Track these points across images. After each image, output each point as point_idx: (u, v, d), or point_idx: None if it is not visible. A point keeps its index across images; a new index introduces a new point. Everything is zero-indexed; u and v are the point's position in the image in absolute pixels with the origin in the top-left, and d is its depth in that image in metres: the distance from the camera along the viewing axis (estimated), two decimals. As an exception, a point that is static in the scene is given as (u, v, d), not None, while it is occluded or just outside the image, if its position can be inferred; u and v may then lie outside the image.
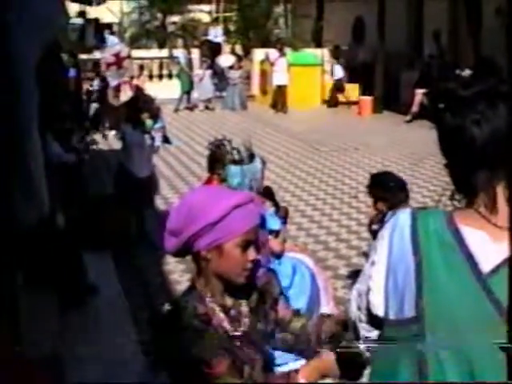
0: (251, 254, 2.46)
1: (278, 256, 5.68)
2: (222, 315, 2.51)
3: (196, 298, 2.51)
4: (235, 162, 5.74)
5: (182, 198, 2.62)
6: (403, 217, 1.86)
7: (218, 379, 2.39)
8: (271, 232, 5.47)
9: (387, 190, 5.96)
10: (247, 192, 2.54)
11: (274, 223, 5.45)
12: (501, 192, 1.73)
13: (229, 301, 2.56)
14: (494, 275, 1.69)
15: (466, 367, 1.68)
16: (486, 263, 1.70)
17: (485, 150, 1.71)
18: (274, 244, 5.37)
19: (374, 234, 6.47)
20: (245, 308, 2.59)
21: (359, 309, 1.99)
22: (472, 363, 1.67)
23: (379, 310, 1.87)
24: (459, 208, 1.85)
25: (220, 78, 24.59)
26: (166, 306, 2.52)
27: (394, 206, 5.56)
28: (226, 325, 2.51)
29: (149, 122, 9.84)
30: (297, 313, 2.92)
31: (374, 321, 1.93)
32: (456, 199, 1.84)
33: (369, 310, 1.92)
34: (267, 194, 6.28)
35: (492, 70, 1.86)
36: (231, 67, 24.00)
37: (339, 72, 23.45)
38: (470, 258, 1.72)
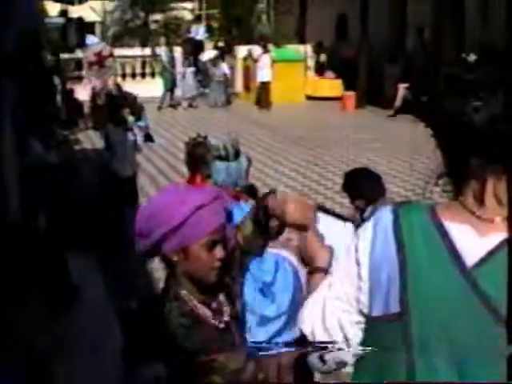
0: (218, 252, 2.45)
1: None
2: (206, 310, 2.52)
3: (175, 297, 2.51)
4: (221, 158, 5.74)
5: (148, 201, 2.66)
6: (385, 213, 1.85)
7: (220, 370, 2.41)
8: None
9: (363, 187, 5.95)
10: (211, 190, 2.52)
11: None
12: (491, 185, 1.72)
13: (205, 296, 2.56)
14: (478, 268, 1.69)
15: (454, 360, 1.68)
16: (471, 257, 1.70)
17: (482, 136, 1.69)
18: None
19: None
20: (222, 297, 2.60)
21: (344, 311, 1.94)
22: (459, 356, 1.67)
23: (365, 308, 1.87)
24: (443, 203, 1.84)
25: (203, 74, 24.55)
26: (134, 304, 2.53)
27: (372, 202, 5.58)
28: (212, 319, 2.52)
29: (130, 118, 9.81)
30: None
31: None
32: (441, 185, 1.83)
33: (360, 311, 1.90)
34: (251, 192, 6.30)
35: (496, 58, 1.86)
36: (213, 60, 23.97)
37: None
38: (454, 252, 1.71)
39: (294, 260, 6.05)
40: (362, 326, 1.93)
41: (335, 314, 1.97)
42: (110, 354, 2.61)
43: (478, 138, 1.70)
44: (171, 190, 2.63)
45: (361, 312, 1.90)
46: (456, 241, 1.72)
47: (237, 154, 5.78)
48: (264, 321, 5.17)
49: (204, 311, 2.52)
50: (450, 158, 1.79)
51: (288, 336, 5.80)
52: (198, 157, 6.47)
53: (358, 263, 1.89)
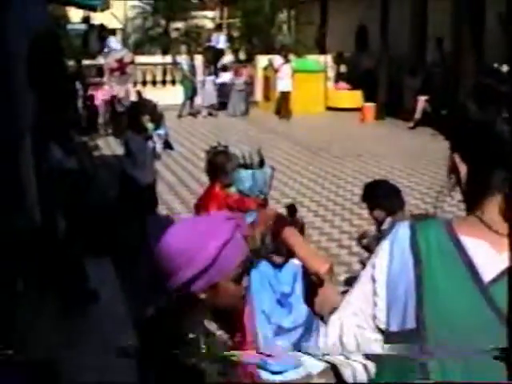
0: (245, 281, 2.47)
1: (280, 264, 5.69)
2: (224, 335, 2.53)
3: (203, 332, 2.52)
4: (246, 167, 5.77)
5: (165, 240, 2.50)
6: (402, 229, 1.84)
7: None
8: None
9: (383, 197, 5.98)
10: (229, 218, 2.47)
11: None
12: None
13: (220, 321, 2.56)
14: (495, 284, 1.67)
15: (469, 377, 1.66)
16: (488, 272, 1.68)
17: (508, 148, 1.67)
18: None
19: (365, 249, 6.49)
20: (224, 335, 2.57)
21: (359, 327, 1.94)
22: (475, 373, 1.66)
23: (382, 324, 1.86)
24: (459, 217, 1.83)
25: (223, 84, 24.59)
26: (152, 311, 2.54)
27: (391, 213, 5.58)
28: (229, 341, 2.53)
29: (150, 125, 9.84)
30: None
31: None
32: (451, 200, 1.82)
33: (377, 327, 1.90)
34: (291, 210, 6.34)
35: None
36: (225, 68, 24.08)
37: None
38: (471, 267, 1.70)
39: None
40: (380, 343, 1.91)
41: (351, 330, 1.97)
42: (123, 357, 2.63)
43: (505, 150, 1.67)
44: (186, 227, 2.52)
45: (378, 328, 1.89)
46: (473, 256, 1.71)
47: (261, 163, 5.81)
48: (281, 332, 5.17)
49: (223, 337, 2.53)
50: (472, 169, 1.77)
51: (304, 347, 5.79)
52: (218, 165, 6.50)
53: (373, 279, 1.89)
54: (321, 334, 2.11)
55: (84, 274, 7.02)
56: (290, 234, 2.95)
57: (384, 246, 1.88)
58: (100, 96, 19.35)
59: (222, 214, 2.54)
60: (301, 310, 5.70)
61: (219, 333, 2.52)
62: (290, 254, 2.85)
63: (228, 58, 25.82)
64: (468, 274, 1.69)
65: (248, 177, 5.60)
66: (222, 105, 23.40)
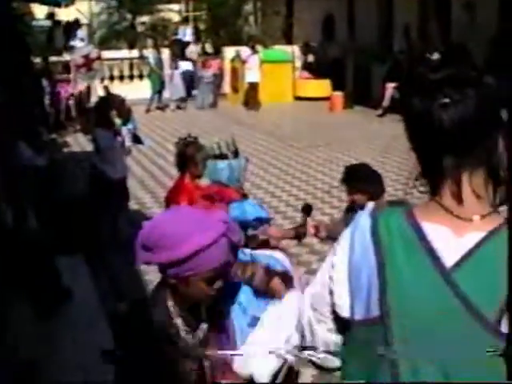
0: (217, 284, 2.48)
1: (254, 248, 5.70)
2: (182, 324, 2.53)
3: (160, 303, 2.52)
4: (222, 157, 5.76)
5: (156, 219, 2.58)
6: (363, 217, 1.85)
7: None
8: (261, 221, 5.46)
9: (365, 181, 5.89)
10: (225, 221, 2.47)
11: (259, 212, 5.44)
12: (467, 181, 1.72)
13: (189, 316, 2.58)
14: (457, 269, 1.68)
15: (437, 361, 1.67)
16: (449, 257, 1.69)
17: (452, 134, 1.68)
18: (273, 232, 5.42)
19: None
20: (204, 325, 2.61)
21: (314, 310, 1.98)
22: (442, 357, 1.66)
23: (345, 312, 1.86)
24: (420, 204, 1.84)
25: (191, 76, 24.51)
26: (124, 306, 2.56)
27: (372, 198, 5.54)
28: (185, 333, 2.53)
29: (118, 121, 9.77)
30: None
31: (339, 323, 1.92)
32: (420, 186, 1.82)
33: (334, 312, 1.92)
34: (307, 210, 6.33)
35: (461, 55, 1.85)
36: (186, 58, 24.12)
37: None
38: (432, 253, 1.70)
39: (287, 262, 6.06)
40: (336, 334, 1.95)
41: (307, 314, 2.01)
42: (96, 353, 2.63)
43: (448, 136, 1.69)
44: (186, 215, 2.54)
45: (336, 316, 1.91)
46: (434, 242, 1.72)
47: (236, 153, 5.82)
48: (256, 323, 5.19)
49: (180, 325, 2.53)
50: (422, 158, 1.79)
51: None
52: (188, 156, 6.49)
53: (332, 266, 1.90)
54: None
55: (56, 272, 6.97)
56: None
57: (345, 235, 1.89)
58: (67, 92, 19.21)
59: (221, 214, 2.54)
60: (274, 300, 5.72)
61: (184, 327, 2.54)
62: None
63: (191, 49, 25.77)
64: (429, 260, 1.70)
65: (225, 168, 5.59)
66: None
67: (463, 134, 1.69)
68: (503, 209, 1.71)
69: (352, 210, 6.23)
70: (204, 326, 2.59)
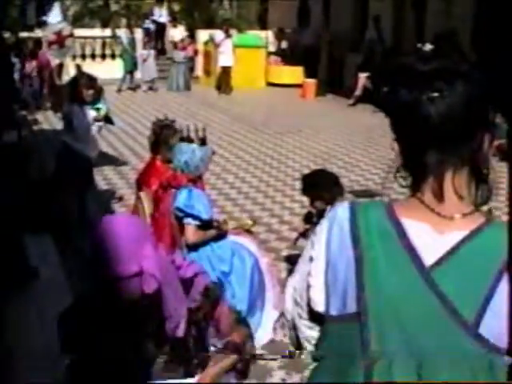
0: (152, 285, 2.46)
1: (217, 239, 5.71)
2: None
3: None
4: (188, 140, 5.73)
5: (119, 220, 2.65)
6: (341, 210, 1.81)
7: None
8: (199, 219, 5.47)
9: (324, 189, 6.00)
10: (139, 262, 2.44)
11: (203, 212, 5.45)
12: (449, 180, 1.68)
13: None
14: (437, 268, 1.65)
15: (412, 360, 1.64)
16: (429, 256, 1.66)
17: (438, 129, 1.64)
18: (189, 233, 5.39)
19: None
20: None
21: (297, 305, 1.95)
22: (418, 356, 1.64)
23: (320, 307, 1.84)
24: (401, 199, 1.81)
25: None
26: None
27: (331, 202, 5.63)
28: None
29: (89, 99, 9.67)
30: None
31: (314, 317, 1.89)
32: (401, 178, 1.77)
33: (309, 306, 1.89)
34: (307, 218, 6.36)
35: (452, 46, 1.80)
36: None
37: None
38: (411, 250, 1.67)
39: (254, 248, 6.08)
40: (306, 318, 1.93)
41: (290, 309, 1.99)
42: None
43: (433, 130, 1.65)
44: (113, 243, 2.53)
45: (311, 309, 1.88)
46: (414, 239, 1.69)
47: (203, 142, 5.78)
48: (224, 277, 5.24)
49: None
50: (406, 151, 1.74)
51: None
52: (162, 139, 6.46)
53: (311, 259, 1.87)
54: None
55: (23, 251, 6.92)
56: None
57: (323, 226, 1.85)
58: (38, 69, 18.99)
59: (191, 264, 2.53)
60: (242, 286, 5.74)
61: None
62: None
63: (172, 33, 25.62)
64: (408, 257, 1.67)
65: (187, 151, 5.55)
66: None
67: (449, 130, 1.65)
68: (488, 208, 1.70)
69: (311, 218, 6.35)
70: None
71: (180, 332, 2.53)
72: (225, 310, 2.71)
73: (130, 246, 2.42)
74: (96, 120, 9.03)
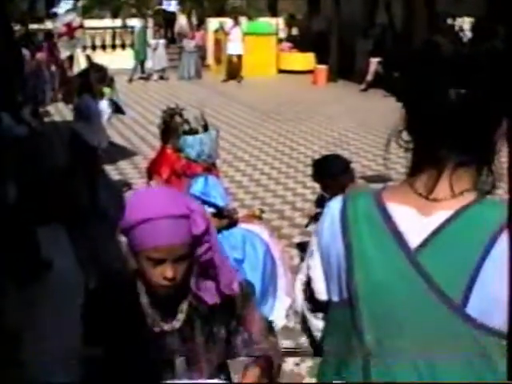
0: (165, 271, 2.30)
1: (228, 228, 5.70)
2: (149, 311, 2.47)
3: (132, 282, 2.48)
4: (191, 133, 5.73)
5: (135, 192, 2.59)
6: (335, 201, 1.83)
7: None
8: (215, 207, 5.48)
9: (335, 177, 5.89)
10: (185, 205, 2.34)
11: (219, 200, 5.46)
12: (447, 174, 1.64)
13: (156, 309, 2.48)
14: (422, 249, 1.63)
15: (404, 343, 1.64)
16: (415, 238, 1.64)
17: (451, 120, 1.59)
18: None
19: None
20: (182, 315, 2.49)
21: (305, 297, 1.97)
22: (409, 338, 1.64)
23: (322, 295, 1.86)
24: (390, 185, 1.81)
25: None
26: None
27: (342, 188, 5.55)
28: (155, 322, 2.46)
29: (106, 90, 9.72)
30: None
31: (321, 308, 1.90)
32: (403, 146, 1.73)
33: (312, 297, 1.91)
34: (319, 202, 6.35)
35: (490, 33, 1.65)
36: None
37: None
38: (397, 234, 1.66)
39: (266, 235, 6.07)
40: (314, 309, 1.94)
41: (300, 302, 2.01)
42: (74, 323, 2.62)
43: (446, 121, 1.60)
44: (151, 191, 2.53)
45: (317, 300, 1.90)
46: (399, 223, 1.67)
47: (206, 127, 5.78)
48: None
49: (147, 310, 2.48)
50: (416, 135, 1.69)
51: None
52: (172, 128, 6.46)
53: (311, 255, 1.90)
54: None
55: (37, 243, 6.94)
56: None
57: (321, 219, 1.88)
58: (48, 61, 19.02)
59: (191, 202, 2.43)
60: (254, 273, 5.74)
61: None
62: None
63: (181, 23, 25.58)
64: (394, 241, 1.66)
65: (195, 143, 5.56)
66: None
67: (464, 122, 1.59)
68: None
69: (323, 202, 6.29)
70: (180, 316, 2.46)
71: (235, 287, 2.49)
72: (257, 316, 2.65)
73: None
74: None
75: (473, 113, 1.58)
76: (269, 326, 2.73)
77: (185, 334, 2.47)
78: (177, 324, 2.46)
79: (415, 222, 1.67)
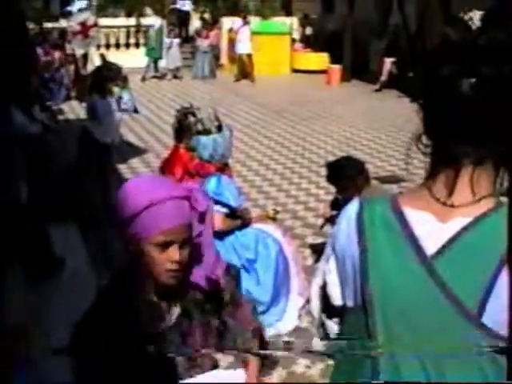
0: (173, 254, 2.28)
1: (241, 228, 5.69)
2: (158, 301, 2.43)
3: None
4: (205, 133, 5.71)
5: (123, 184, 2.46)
6: (352, 205, 1.80)
7: None
8: (228, 207, 5.46)
9: (350, 180, 5.84)
10: (184, 186, 2.35)
11: (232, 200, 5.45)
12: (467, 173, 1.59)
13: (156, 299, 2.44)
14: (439, 256, 1.60)
15: (416, 349, 1.61)
16: (431, 244, 1.62)
17: (469, 115, 1.52)
18: (218, 221, 5.32)
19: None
20: (177, 309, 2.46)
21: (321, 302, 1.95)
22: (422, 345, 1.61)
23: (338, 301, 1.84)
24: (408, 190, 1.77)
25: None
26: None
27: (357, 191, 5.50)
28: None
29: (114, 89, 9.72)
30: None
31: (337, 313, 1.88)
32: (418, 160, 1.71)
33: (327, 302, 1.89)
34: (334, 204, 6.34)
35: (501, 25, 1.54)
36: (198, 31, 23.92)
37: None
38: (413, 240, 1.63)
39: (279, 235, 6.05)
40: (331, 314, 1.92)
41: (316, 306, 1.98)
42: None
43: (460, 113, 1.54)
44: (145, 178, 2.48)
45: (333, 305, 1.87)
46: (416, 228, 1.64)
47: (219, 127, 5.76)
48: (249, 297, 5.19)
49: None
50: (436, 135, 1.63)
51: (274, 312, 5.81)
52: (186, 127, 6.45)
53: (327, 259, 1.87)
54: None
55: (49, 241, 6.95)
56: None
57: (337, 222, 1.86)
58: (63, 59, 19.07)
59: (189, 183, 2.45)
60: (267, 273, 5.72)
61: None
62: None
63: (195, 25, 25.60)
64: (410, 247, 1.64)
65: (209, 143, 5.54)
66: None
67: (482, 118, 1.53)
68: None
69: (337, 204, 6.24)
70: (176, 310, 2.44)
71: (219, 273, 2.48)
72: (243, 300, 2.67)
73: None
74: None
75: (486, 103, 1.51)
76: (255, 308, 2.80)
77: (183, 328, 2.44)
78: (175, 314, 2.44)
79: (432, 227, 1.64)
